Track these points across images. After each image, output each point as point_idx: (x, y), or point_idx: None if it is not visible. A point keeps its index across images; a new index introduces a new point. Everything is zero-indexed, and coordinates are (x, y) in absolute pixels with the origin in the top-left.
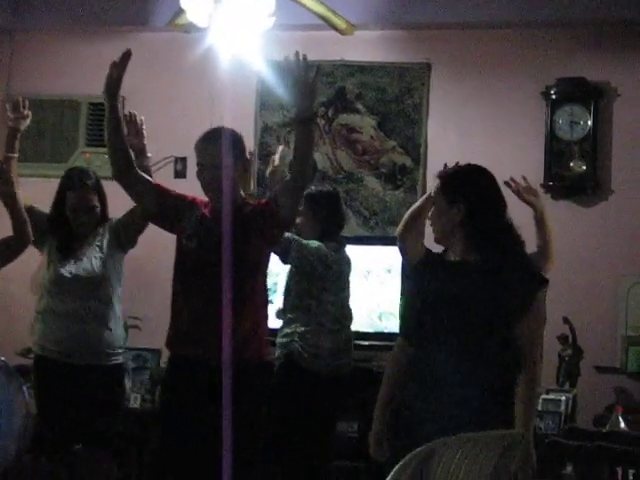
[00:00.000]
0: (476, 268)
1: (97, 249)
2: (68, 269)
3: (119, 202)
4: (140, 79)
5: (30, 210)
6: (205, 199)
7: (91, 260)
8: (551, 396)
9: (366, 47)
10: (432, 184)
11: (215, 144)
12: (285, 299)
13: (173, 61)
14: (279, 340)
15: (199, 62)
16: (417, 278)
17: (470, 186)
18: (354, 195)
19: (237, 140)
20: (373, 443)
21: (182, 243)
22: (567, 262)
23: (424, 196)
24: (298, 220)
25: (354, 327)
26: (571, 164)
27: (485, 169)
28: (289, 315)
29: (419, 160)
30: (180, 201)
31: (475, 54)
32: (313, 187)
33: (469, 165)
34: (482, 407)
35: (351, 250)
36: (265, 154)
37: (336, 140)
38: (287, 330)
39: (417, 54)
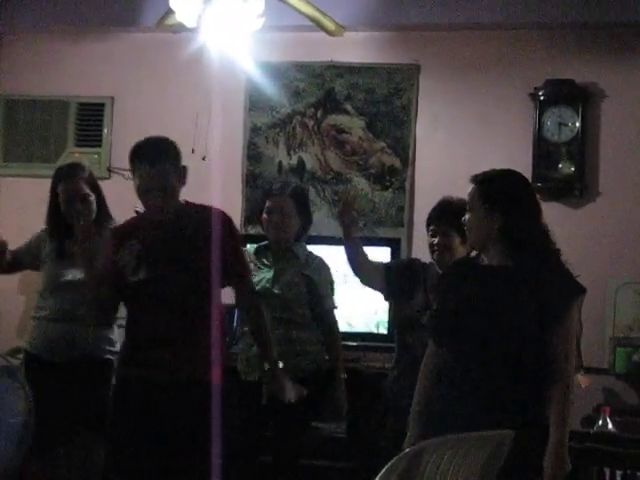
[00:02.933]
0: (511, 274)
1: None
2: (65, 273)
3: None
4: (129, 80)
5: (15, 256)
6: (134, 216)
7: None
8: None
9: (355, 48)
10: (421, 184)
11: (157, 162)
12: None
13: (162, 62)
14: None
15: (188, 63)
16: (448, 283)
17: (508, 193)
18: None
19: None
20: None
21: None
22: None
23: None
24: (276, 218)
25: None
26: (559, 166)
27: (520, 174)
28: None
29: (408, 161)
30: (115, 249)
31: (464, 55)
32: (281, 182)
33: (504, 170)
34: (507, 415)
35: (338, 251)
36: (254, 154)
37: (325, 141)
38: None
39: (406, 55)
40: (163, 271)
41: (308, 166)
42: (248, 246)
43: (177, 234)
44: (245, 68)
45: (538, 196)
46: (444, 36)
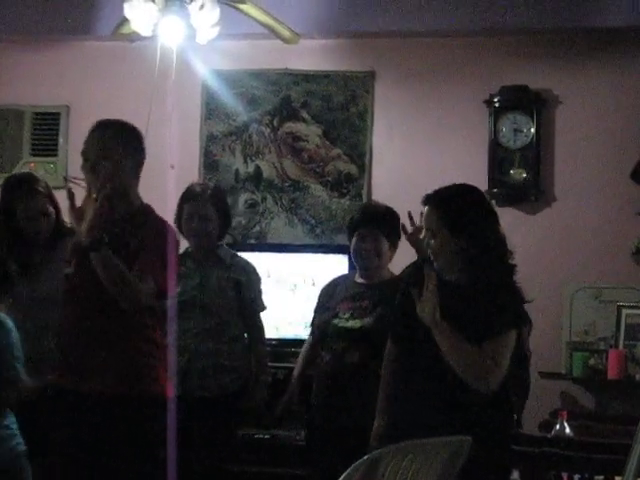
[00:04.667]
0: (464, 292)
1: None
2: (25, 288)
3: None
4: (84, 88)
5: None
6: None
7: (52, 278)
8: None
9: (311, 56)
10: (378, 191)
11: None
12: None
13: (117, 70)
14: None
15: (144, 71)
16: (412, 284)
17: (471, 213)
18: (300, 203)
19: (127, 131)
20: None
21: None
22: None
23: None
24: (196, 225)
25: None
26: (514, 171)
27: (474, 187)
28: None
29: (364, 168)
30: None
31: (419, 62)
32: (199, 184)
33: (459, 187)
34: (440, 417)
35: (297, 258)
36: (211, 163)
37: (282, 148)
38: None
39: (361, 62)
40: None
41: (265, 174)
42: None
43: (117, 232)
44: (201, 76)
45: (493, 202)
46: (399, 43)
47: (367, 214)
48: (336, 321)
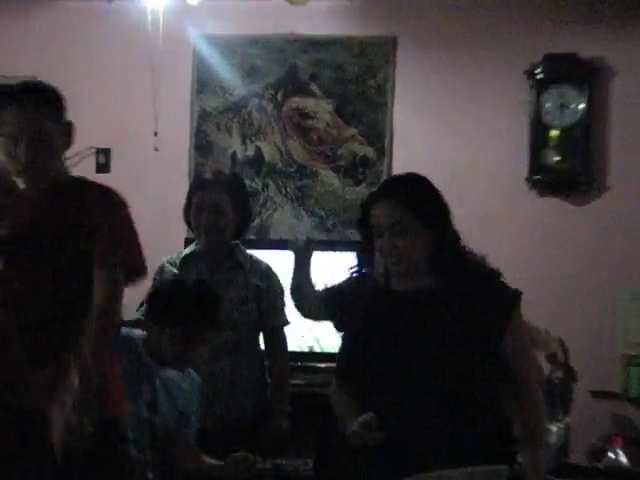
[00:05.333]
0: (440, 296)
1: None
2: None
3: None
4: (55, 57)
5: None
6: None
7: None
8: None
9: (321, 19)
10: None
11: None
12: None
13: (94, 36)
14: None
15: (125, 37)
16: (350, 309)
17: (437, 202)
18: (308, 192)
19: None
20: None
21: None
22: (555, 269)
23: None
24: (209, 218)
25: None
26: (560, 155)
27: (423, 176)
28: None
29: (383, 150)
30: None
31: (449, 27)
32: (212, 171)
33: (412, 175)
34: (470, 449)
35: None
36: (203, 144)
37: (286, 127)
38: None
39: (381, 27)
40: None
41: (267, 158)
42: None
43: (47, 215)
44: (192, 43)
45: (535, 191)
46: (425, 4)
47: None
48: None
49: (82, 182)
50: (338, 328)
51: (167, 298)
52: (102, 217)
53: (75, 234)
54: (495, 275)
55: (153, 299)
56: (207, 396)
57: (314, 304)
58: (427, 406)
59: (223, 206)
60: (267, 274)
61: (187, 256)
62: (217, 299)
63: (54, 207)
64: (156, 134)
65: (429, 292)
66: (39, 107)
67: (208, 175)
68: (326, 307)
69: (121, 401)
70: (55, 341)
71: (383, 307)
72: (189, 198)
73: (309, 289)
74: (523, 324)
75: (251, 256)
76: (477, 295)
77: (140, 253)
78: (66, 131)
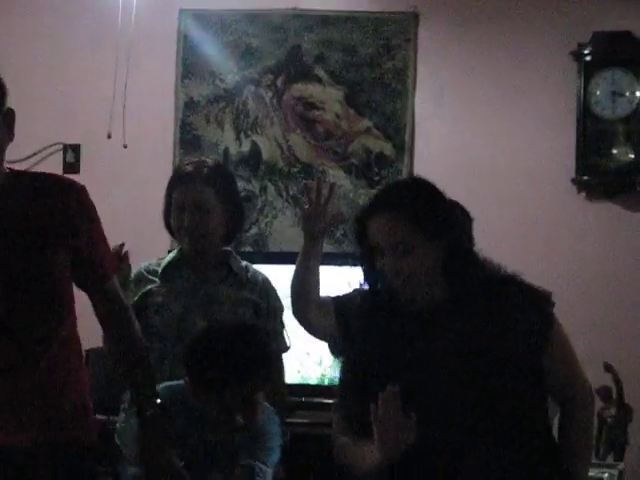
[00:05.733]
0: (459, 308)
1: None
2: None
3: None
4: (19, 36)
5: None
6: None
7: None
8: (590, 472)
9: None
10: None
11: None
12: None
13: (58, 9)
14: None
15: (97, 12)
16: (364, 332)
17: (443, 209)
18: None
19: None
20: None
21: None
22: (607, 284)
23: (303, 247)
24: (192, 218)
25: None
26: (613, 151)
27: (426, 180)
28: None
29: (403, 146)
30: None
31: (480, 1)
32: (193, 162)
33: (412, 181)
34: None
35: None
36: (190, 139)
37: (288, 120)
38: None
39: (400, 0)
40: None
41: (265, 155)
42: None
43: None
44: (176, 20)
45: (583, 194)
46: None
47: None
48: None
49: (43, 177)
50: (339, 350)
51: (206, 356)
52: (82, 217)
53: (45, 239)
54: (517, 279)
55: (189, 357)
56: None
57: (320, 310)
58: (461, 436)
59: (208, 203)
60: (266, 290)
61: (170, 264)
62: (268, 343)
63: (13, 210)
64: (125, 146)
65: (445, 306)
66: None
67: (189, 168)
68: (336, 317)
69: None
70: (26, 363)
71: (395, 328)
72: (168, 197)
73: (316, 286)
74: (563, 328)
75: (247, 265)
76: (504, 303)
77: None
78: (6, 121)
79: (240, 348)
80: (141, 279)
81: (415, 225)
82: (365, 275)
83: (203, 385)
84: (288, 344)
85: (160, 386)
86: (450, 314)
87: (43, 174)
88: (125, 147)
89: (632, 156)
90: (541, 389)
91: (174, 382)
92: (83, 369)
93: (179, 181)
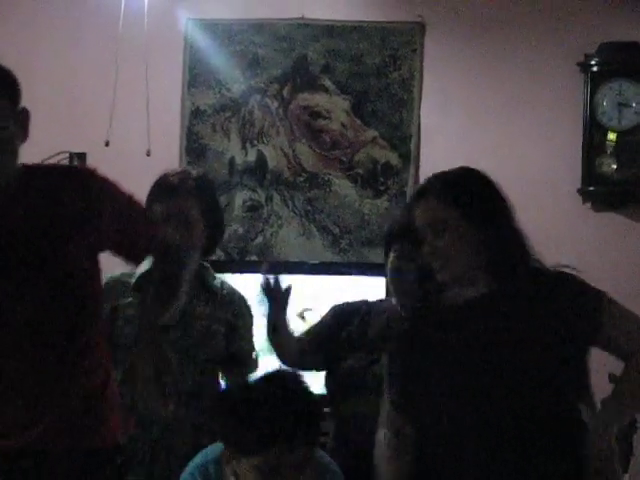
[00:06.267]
0: (506, 299)
1: None
2: None
3: None
4: (25, 44)
5: None
6: None
7: None
8: None
9: (335, 0)
10: None
11: None
12: None
13: (66, 18)
14: None
15: (104, 21)
16: (413, 342)
17: (490, 197)
18: (319, 205)
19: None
20: None
21: None
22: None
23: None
24: (176, 230)
25: None
26: (618, 163)
27: (481, 171)
28: None
29: (409, 156)
30: None
31: (485, 10)
32: (177, 172)
33: (460, 169)
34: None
35: (316, 280)
36: (196, 148)
37: (294, 129)
38: None
39: (406, 10)
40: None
41: (271, 164)
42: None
43: (21, 215)
44: (183, 29)
45: (589, 205)
46: None
47: (408, 222)
48: (379, 369)
49: (55, 169)
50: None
51: (242, 414)
52: (99, 200)
53: (63, 231)
54: (568, 274)
55: (221, 415)
56: (165, 452)
57: (296, 354)
58: (499, 428)
59: (191, 216)
60: (241, 308)
61: (143, 276)
62: (310, 393)
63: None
64: (129, 138)
65: (489, 298)
66: None
67: (172, 179)
68: (312, 354)
69: (118, 429)
70: (44, 364)
71: (442, 322)
72: (148, 209)
73: (287, 337)
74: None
75: (222, 282)
76: (551, 296)
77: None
78: (20, 120)
79: (289, 396)
80: (112, 288)
81: (456, 208)
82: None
83: (243, 446)
84: (258, 364)
85: (194, 462)
86: (494, 306)
87: (54, 167)
88: (131, 156)
89: (636, 167)
90: (580, 386)
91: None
92: (112, 368)
93: (163, 193)
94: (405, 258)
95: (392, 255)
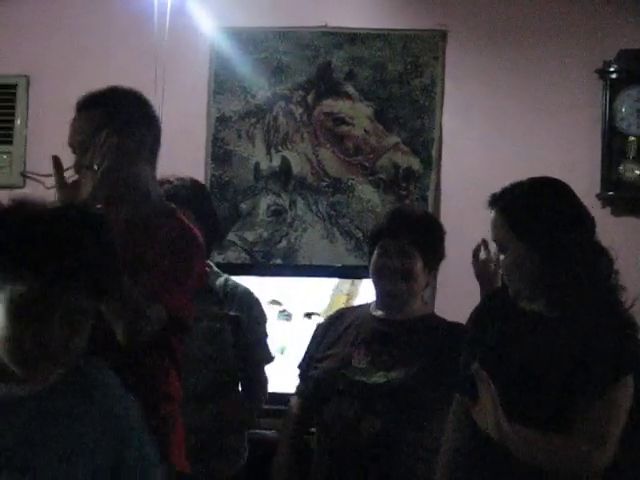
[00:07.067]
0: (553, 328)
1: None
2: None
3: None
4: (49, 53)
5: None
6: None
7: None
8: None
9: (359, 9)
10: (449, 193)
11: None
12: None
13: (95, 28)
14: None
15: (130, 29)
16: (480, 322)
17: (555, 216)
18: (342, 210)
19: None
20: None
21: None
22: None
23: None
24: None
25: None
26: (638, 168)
27: (558, 182)
28: None
29: (431, 162)
30: None
31: (506, 19)
32: (170, 183)
33: (535, 182)
34: None
35: (338, 285)
36: (221, 154)
37: (318, 135)
38: None
39: (428, 18)
40: None
41: (295, 170)
42: None
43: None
44: (209, 36)
45: (608, 210)
46: None
47: (395, 220)
48: (348, 373)
49: (169, 213)
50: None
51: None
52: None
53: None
54: (617, 326)
55: None
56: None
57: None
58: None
59: None
60: (247, 301)
61: None
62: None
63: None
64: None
65: (537, 317)
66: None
67: (167, 188)
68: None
69: (183, 456)
70: None
71: (507, 320)
72: None
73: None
74: (625, 398)
75: (226, 279)
76: (583, 337)
77: None
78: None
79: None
80: None
81: (511, 226)
82: None
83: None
84: (271, 355)
85: None
86: (539, 325)
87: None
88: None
89: None
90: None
91: None
92: (172, 388)
93: None
94: (388, 256)
95: (376, 253)
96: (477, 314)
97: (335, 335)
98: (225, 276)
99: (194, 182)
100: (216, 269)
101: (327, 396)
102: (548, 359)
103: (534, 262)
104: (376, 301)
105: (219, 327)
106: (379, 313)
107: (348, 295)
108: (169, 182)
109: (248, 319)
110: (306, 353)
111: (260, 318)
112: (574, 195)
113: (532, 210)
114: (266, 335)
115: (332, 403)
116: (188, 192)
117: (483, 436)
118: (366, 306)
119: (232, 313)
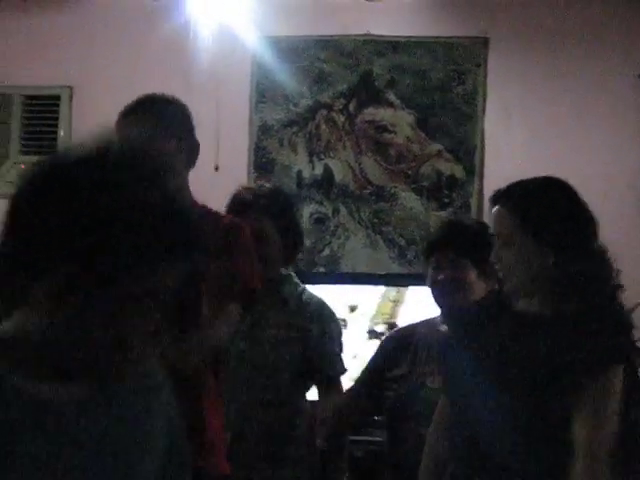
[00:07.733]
0: (547, 327)
1: None
2: None
3: None
4: (92, 64)
5: None
6: None
7: None
8: None
9: (400, 17)
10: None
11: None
12: None
13: (137, 39)
14: None
15: (172, 40)
16: (468, 333)
17: (561, 213)
18: (385, 217)
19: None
20: None
21: None
22: None
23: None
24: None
25: None
26: None
27: (563, 183)
28: None
29: (473, 169)
30: None
31: (548, 25)
32: (251, 190)
33: (542, 180)
34: None
35: (382, 292)
36: (264, 162)
37: (360, 143)
38: None
39: (470, 26)
40: None
41: (337, 178)
42: None
43: None
44: (251, 46)
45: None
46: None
47: (445, 233)
48: (425, 394)
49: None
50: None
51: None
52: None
53: None
54: (610, 320)
55: None
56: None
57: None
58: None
59: (266, 232)
60: (319, 314)
61: None
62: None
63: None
64: (217, 168)
65: (536, 320)
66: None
67: (246, 196)
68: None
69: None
70: None
71: (498, 326)
72: None
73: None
74: (614, 392)
75: (303, 290)
76: (573, 331)
77: None
78: (191, 152)
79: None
80: None
81: (520, 220)
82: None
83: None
84: (344, 367)
85: None
86: (535, 329)
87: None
88: (200, 171)
89: None
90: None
91: None
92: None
93: (236, 210)
94: (441, 269)
95: (430, 267)
96: (467, 318)
97: (405, 354)
98: (303, 287)
99: (273, 191)
100: (296, 280)
101: (405, 416)
102: (547, 360)
103: (545, 257)
104: (440, 315)
105: (286, 336)
106: (444, 328)
107: (395, 302)
108: (248, 190)
109: (321, 332)
110: (372, 362)
111: (335, 331)
112: (579, 195)
113: (545, 206)
114: (339, 349)
115: (411, 423)
116: (267, 201)
117: (467, 436)
118: (432, 321)
119: (299, 323)
